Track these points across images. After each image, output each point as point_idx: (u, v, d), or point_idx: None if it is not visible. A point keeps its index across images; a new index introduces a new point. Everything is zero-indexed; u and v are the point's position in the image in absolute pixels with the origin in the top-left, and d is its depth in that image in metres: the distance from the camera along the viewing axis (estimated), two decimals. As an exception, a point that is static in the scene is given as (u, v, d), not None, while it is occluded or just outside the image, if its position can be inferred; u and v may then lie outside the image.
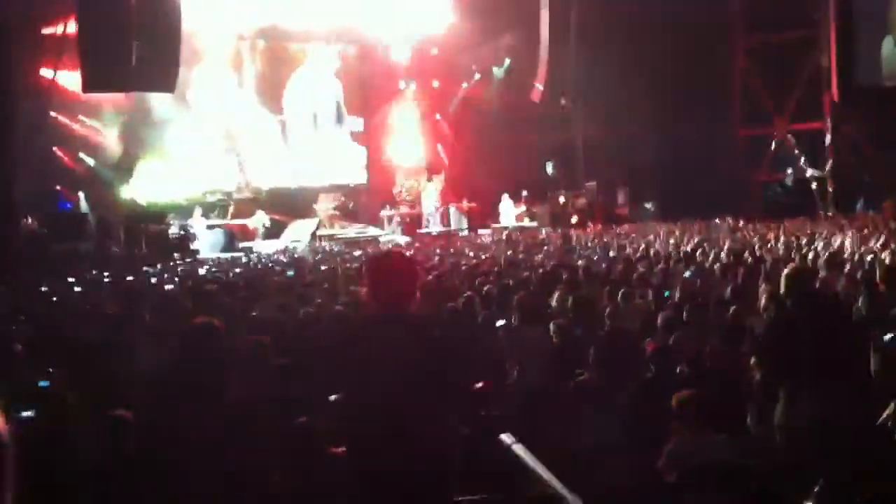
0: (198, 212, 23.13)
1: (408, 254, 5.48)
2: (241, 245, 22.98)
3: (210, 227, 23.14)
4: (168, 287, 12.60)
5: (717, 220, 21.57)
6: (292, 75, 27.14)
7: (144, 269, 16.87)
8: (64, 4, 19.91)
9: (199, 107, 24.55)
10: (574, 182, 28.11)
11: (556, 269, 11.71)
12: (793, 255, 12.10)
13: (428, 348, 3.92)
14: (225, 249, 22.23)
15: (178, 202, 23.47)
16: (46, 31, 21.11)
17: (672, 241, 16.59)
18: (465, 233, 25.88)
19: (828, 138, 27.01)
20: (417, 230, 26.07)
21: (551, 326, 7.16)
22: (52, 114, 21.48)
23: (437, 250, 17.83)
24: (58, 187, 21.49)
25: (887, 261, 10.40)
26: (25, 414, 4.99)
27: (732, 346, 6.35)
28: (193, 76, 23.77)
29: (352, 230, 25.79)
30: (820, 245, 13.56)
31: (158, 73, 19.74)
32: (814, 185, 27.33)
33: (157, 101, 23.00)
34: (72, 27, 20.01)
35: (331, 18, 25.94)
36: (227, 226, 23.73)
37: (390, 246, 19.71)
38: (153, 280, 14.44)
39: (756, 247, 14.23)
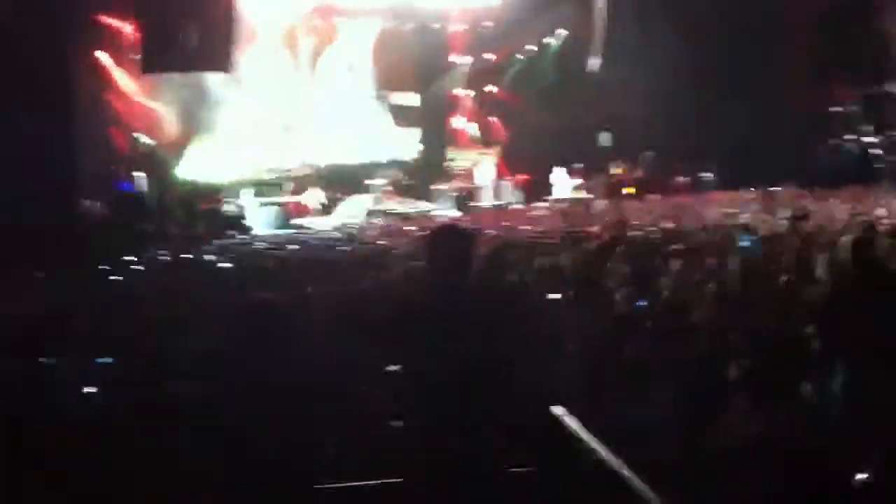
0: (250, 190, 23.36)
1: (467, 227, 5.50)
2: (296, 222, 23.18)
3: (263, 204, 23.38)
4: (225, 265, 12.76)
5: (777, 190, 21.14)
6: (334, 50, 27.19)
7: (203, 247, 17.12)
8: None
9: (255, 86, 24.75)
10: (630, 153, 27.77)
11: (613, 240, 11.59)
12: (853, 226, 11.81)
13: (493, 312, 3.90)
14: (279, 227, 22.45)
15: (233, 181, 23.75)
16: (104, 15, 21.44)
17: (729, 212, 16.33)
18: (520, 206, 25.74)
19: (889, 104, 26.24)
20: (471, 204, 26.00)
21: (608, 297, 7.11)
22: (109, 96, 21.85)
23: (493, 224, 17.77)
24: (116, 168, 21.85)
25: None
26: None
27: (791, 317, 6.23)
28: (249, 55, 23.96)
29: (406, 206, 25.83)
30: (880, 214, 13.22)
31: (215, 53, 19.97)
32: (878, 153, 26.62)
33: (214, 82, 23.26)
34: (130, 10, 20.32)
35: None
36: (282, 203, 23.95)
37: (446, 220, 19.71)
38: (211, 257, 14.65)
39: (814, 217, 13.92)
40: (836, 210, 14.86)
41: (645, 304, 7.21)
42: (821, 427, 4.80)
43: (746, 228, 12.48)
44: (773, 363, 5.11)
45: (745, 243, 10.44)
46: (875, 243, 5.92)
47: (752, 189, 21.94)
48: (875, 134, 26.79)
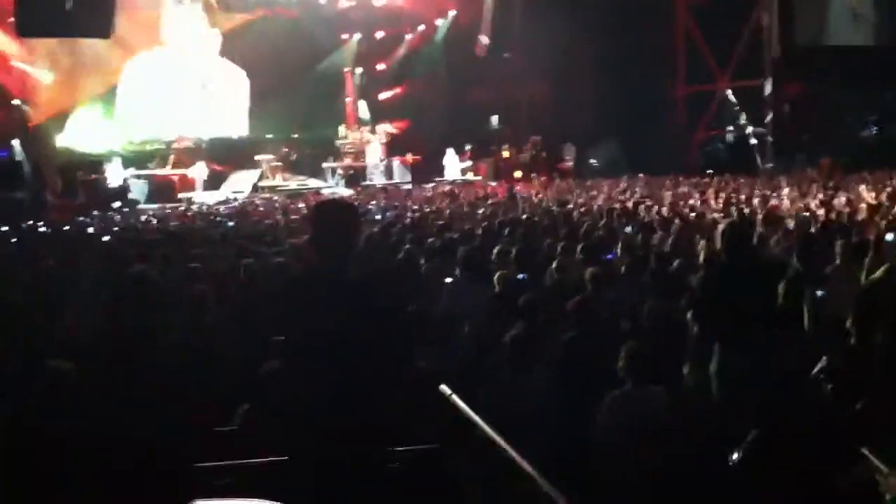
0: (122, 161, 22.70)
1: (352, 203, 5.45)
2: (181, 196, 22.64)
3: (146, 176, 22.75)
4: (106, 238, 12.37)
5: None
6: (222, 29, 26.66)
7: (81, 218, 16.54)
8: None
9: (139, 57, 24.06)
10: (518, 137, 28.13)
11: (500, 222, 11.72)
12: (731, 211, 12.28)
13: (370, 318, 3.89)
14: (160, 200, 21.86)
15: (115, 151, 23.01)
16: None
17: (617, 196, 16.74)
18: (409, 186, 25.78)
19: (767, 94, 27.34)
20: (360, 183, 25.89)
21: (495, 278, 7.19)
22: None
23: (381, 203, 17.75)
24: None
25: (822, 218, 10.63)
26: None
27: (671, 300, 6.43)
28: (132, 24, 23.20)
29: (294, 182, 25.53)
30: (757, 202, 13.79)
31: (94, 18, 19.23)
32: (753, 142, 27.74)
33: (97, 47, 22.45)
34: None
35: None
36: (166, 176, 23.35)
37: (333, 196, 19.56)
38: (90, 230, 14.18)
39: (696, 203, 14.42)
40: (713, 198, 15.40)
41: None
42: (695, 407, 4.99)
43: (631, 216, 12.82)
44: (654, 345, 5.27)
45: (628, 229, 10.73)
46: (746, 230, 6.16)
47: (640, 175, 22.57)
48: (751, 125, 27.89)
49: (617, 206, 13.96)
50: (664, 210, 12.83)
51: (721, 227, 5.53)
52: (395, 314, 4.03)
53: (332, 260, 3.94)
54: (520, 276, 7.47)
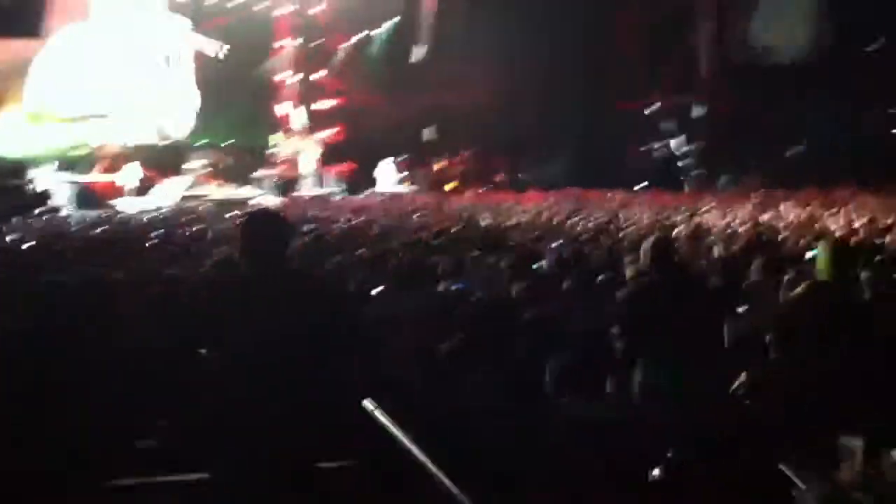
0: (57, 166, 22.13)
1: (282, 214, 5.39)
2: (108, 203, 22.12)
3: (70, 182, 22.18)
4: (25, 246, 12.00)
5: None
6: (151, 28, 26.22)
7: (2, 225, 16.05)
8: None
9: (67, 60, 23.50)
10: (452, 149, 28.17)
11: (434, 234, 11.73)
12: (657, 228, 12.47)
13: (309, 300, 3.85)
14: (85, 206, 21.32)
15: (38, 155, 22.43)
16: None
17: (545, 211, 16.87)
18: (342, 196, 25.63)
19: (697, 112, 27.86)
20: (292, 192, 25.64)
21: (427, 290, 7.16)
22: None
23: (313, 213, 17.60)
24: None
25: (746, 235, 10.85)
26: None
27: (596, 314, 6.48)
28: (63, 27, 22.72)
29: (224, 190, 25.16)
30: (682, 218, 14.03)
31: (22, 16, 18.81)
32: (682, 160, 28.22)
33: (24, 50, 21.95)
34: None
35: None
36: (92, 183, 22.81)
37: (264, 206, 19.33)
38: (8, 238, 13.74)
39: (622, 218, 14.61)
40: (643, 212, 15.64)
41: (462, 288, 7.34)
42: (618, 422, 5.03)
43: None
44: (580, 360, 5.31)
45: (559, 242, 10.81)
46: (672, 246, 6.25)
47: (576, 188, 22.79)
48: (684, 141, 28.39)
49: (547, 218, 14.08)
50: (591, 224, 12.97)
51: (647, 243, 5.60)
52: (324, 323, 3.99)
53: (262, 268, 3.90)
54: (455, 286, 7.45)
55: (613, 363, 5.64)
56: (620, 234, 11.67)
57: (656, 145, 29.01)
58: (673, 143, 28.56)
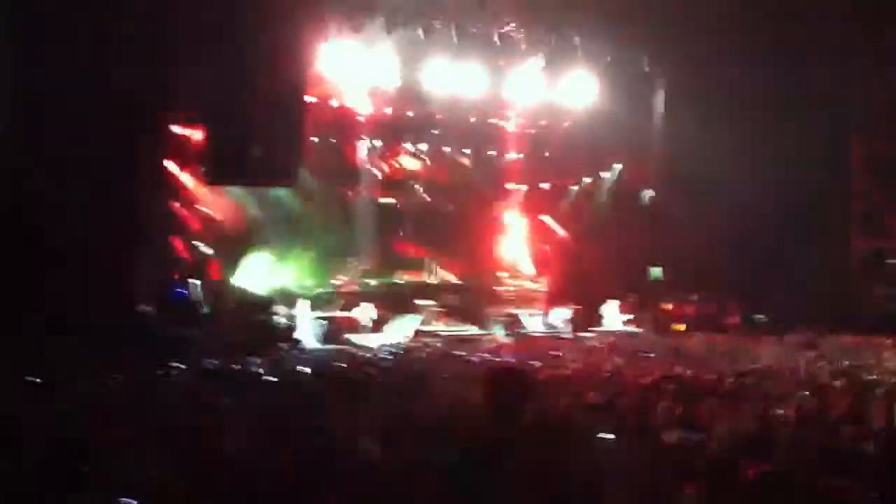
0: (305, 302, 23.47)
1: (521, 369, 5.48)
2: (345, 337, 23.10)
3: (317, 318, 23.40)
4: (269, 378, 12.71)
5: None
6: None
7: (248, 357, 17.07)
8: (192, 109, 20.98)
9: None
10: (682, 289, 27.62)
11: (662, 379, 11.39)
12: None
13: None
14: (327, 341, 22.40)
15: (287, 290, 23.95)
16: (174, 128, 22.29)
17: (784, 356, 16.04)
18: (568, 335, 25.53)
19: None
20: (519, 330, 25.85)
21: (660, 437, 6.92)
22: (174, 204, 22.52)
23: (540, 357, 17.53)
24: (172, 274, 22.22)
25: None
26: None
27: (842, 469, 6.02)
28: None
29: (454, 327, 25.75)
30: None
31: (280, 167, 20.42)
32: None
33: (276, 194, 24.02)
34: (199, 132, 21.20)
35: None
36: (335, 318, 23.97)
37: (506, 359, 19.38)
38: (255, 368, 14.59)
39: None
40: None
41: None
42: None
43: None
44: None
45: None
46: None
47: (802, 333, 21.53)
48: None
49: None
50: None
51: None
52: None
53: (505, 425, 3.99)
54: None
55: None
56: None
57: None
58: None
